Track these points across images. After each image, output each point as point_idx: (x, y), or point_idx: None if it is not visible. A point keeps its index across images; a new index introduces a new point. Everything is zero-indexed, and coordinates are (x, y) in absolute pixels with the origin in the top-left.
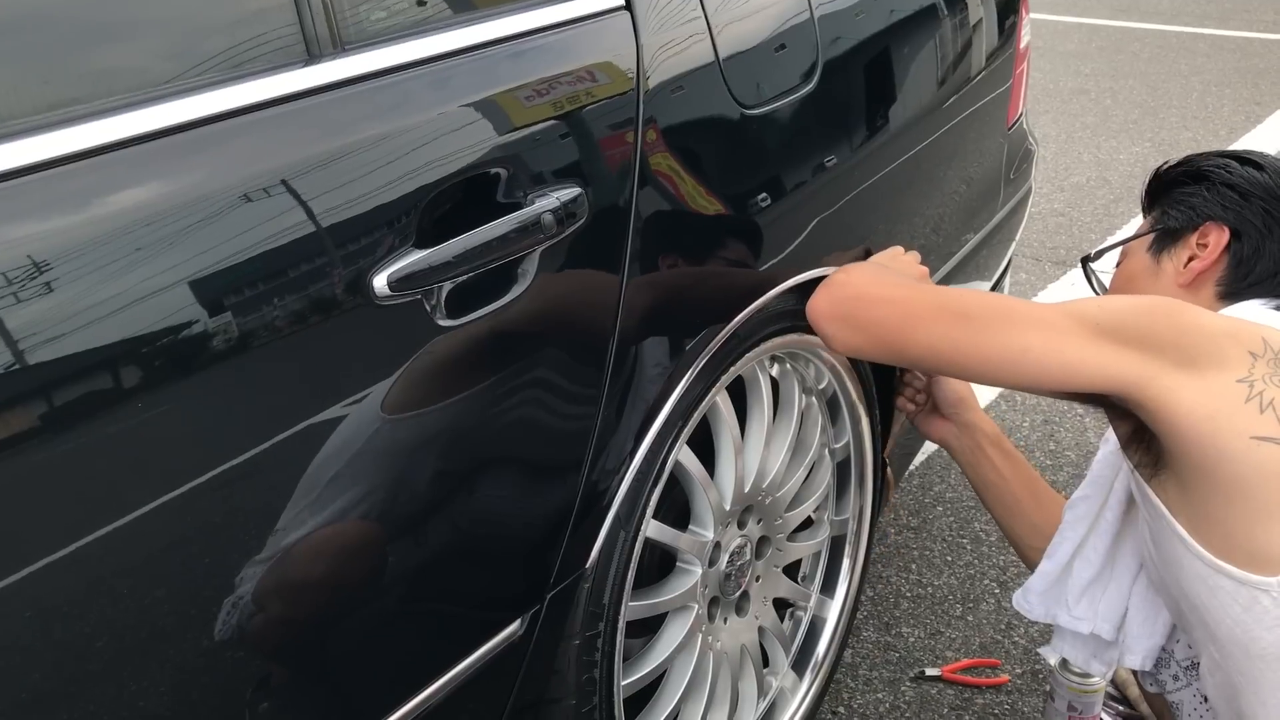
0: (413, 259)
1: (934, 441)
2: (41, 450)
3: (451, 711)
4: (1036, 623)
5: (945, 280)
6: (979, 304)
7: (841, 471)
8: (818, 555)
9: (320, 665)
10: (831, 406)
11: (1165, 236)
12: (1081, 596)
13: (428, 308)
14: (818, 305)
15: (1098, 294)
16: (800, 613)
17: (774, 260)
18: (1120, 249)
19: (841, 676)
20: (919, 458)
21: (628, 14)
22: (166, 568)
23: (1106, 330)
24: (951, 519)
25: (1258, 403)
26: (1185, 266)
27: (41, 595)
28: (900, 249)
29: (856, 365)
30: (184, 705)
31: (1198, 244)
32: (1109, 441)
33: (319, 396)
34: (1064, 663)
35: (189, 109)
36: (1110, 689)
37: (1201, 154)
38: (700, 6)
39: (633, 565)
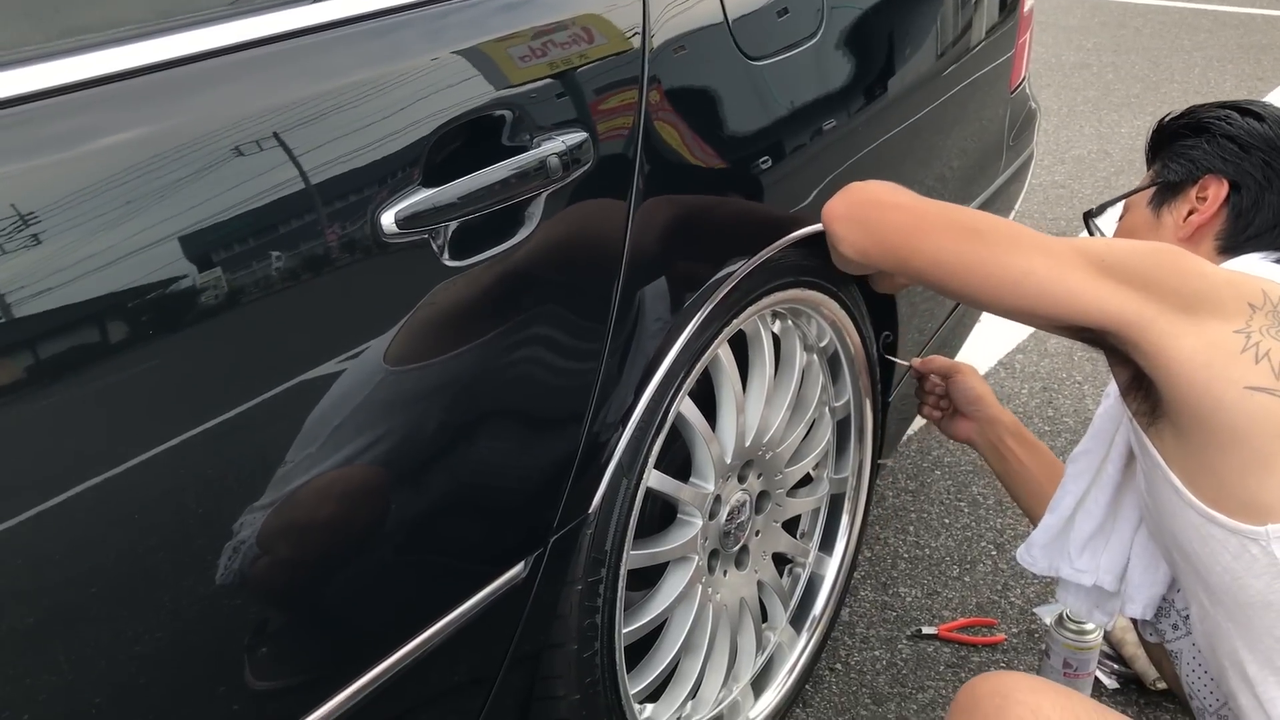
0: (420, 197)
1: (960, 441)
2: (51, 394)
3: (457, 650)
4: (1033, 583)
5: None
6: (989, 223)
7: (841, 429)
8: (817, 512)
9: (327, 605)
10: (832, 364)
11: (1165, 190)
12: (1084, 549)
13: (434, 248)
14: (833, 207)
15: None
16: (799, 569)
17: (778, 214)
18: (1122, 204)
19: (839, 634)
20: (917, 423)
21: None
22: (173, 511)
23: (1111, 267)
24: (949, 483)
25: (1254, 353)
26: (1185, 220)
27: (47, 539)
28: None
29: (858, 323)
30: (186, 647)
31: (1197, 197)
32: (1110, 395)
33: (328, 336)
34: (1059, 620)
35: (199, 41)
36: (1105, 646)
37: (1204, 105)
38: None
39: (634, 513)
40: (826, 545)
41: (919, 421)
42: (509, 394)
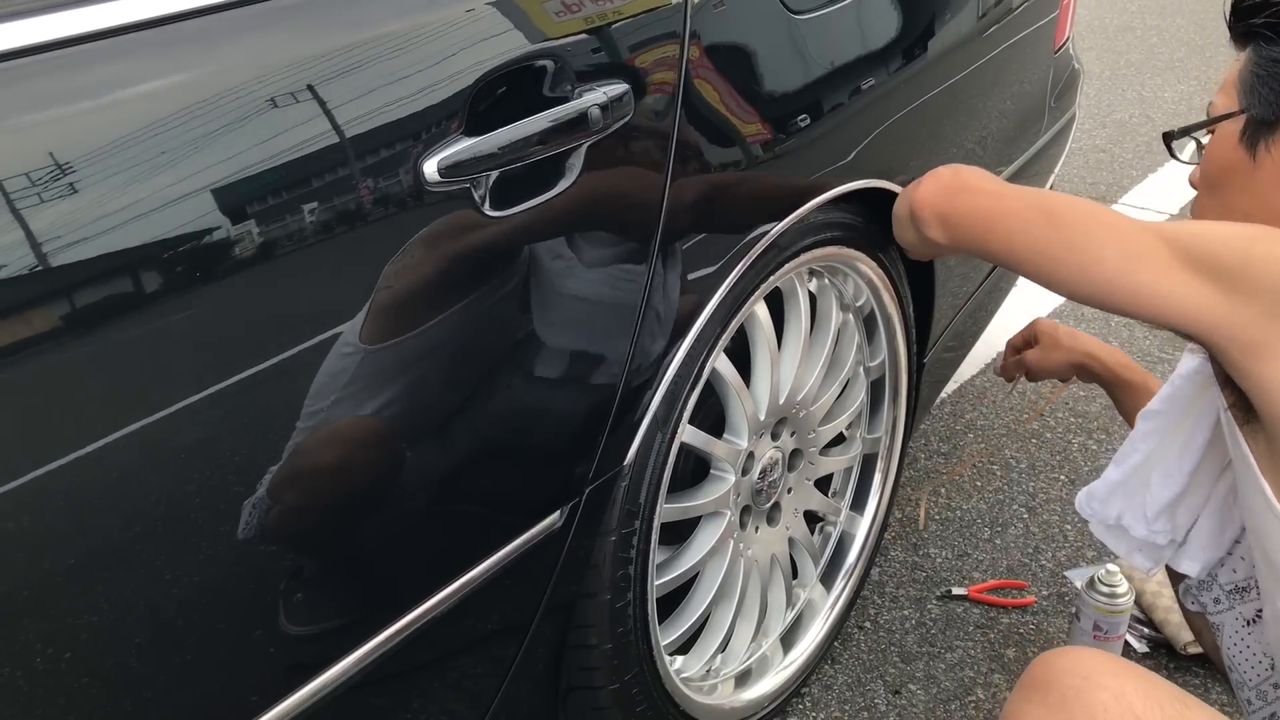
0: (462, 146)
1: (1064, 376)
2: (107, 336)
3: (494, 596)
4: (1064, 546)
5: None
6: (1066, 204)
7: (876, 389)
8: (849, 471)
9: (370, 548)
10: (868, 324)
11: (1261, 125)
12: (1160, 514)
13: (476, 197)
14: (924, 194)
15: (1186, 164)
16: (830, 528)
17: (816, 171)
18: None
19: (869, 593)
20: (951, 386)
21: None
22: (217, 456)
23: (1195, 259)
24: (982, 445)
25: None
26: None
27: (88, 483)
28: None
29: (895, 283)
30: (227, 591)
31: None
32: (1195, 354)
33: (368, 283)
34: (1090, 584)
35: None
36: (1135, 610)
37: None
38: None
39: (668, 467)
40: (858, 504)
41: (953, 384)
42: (545, 345)
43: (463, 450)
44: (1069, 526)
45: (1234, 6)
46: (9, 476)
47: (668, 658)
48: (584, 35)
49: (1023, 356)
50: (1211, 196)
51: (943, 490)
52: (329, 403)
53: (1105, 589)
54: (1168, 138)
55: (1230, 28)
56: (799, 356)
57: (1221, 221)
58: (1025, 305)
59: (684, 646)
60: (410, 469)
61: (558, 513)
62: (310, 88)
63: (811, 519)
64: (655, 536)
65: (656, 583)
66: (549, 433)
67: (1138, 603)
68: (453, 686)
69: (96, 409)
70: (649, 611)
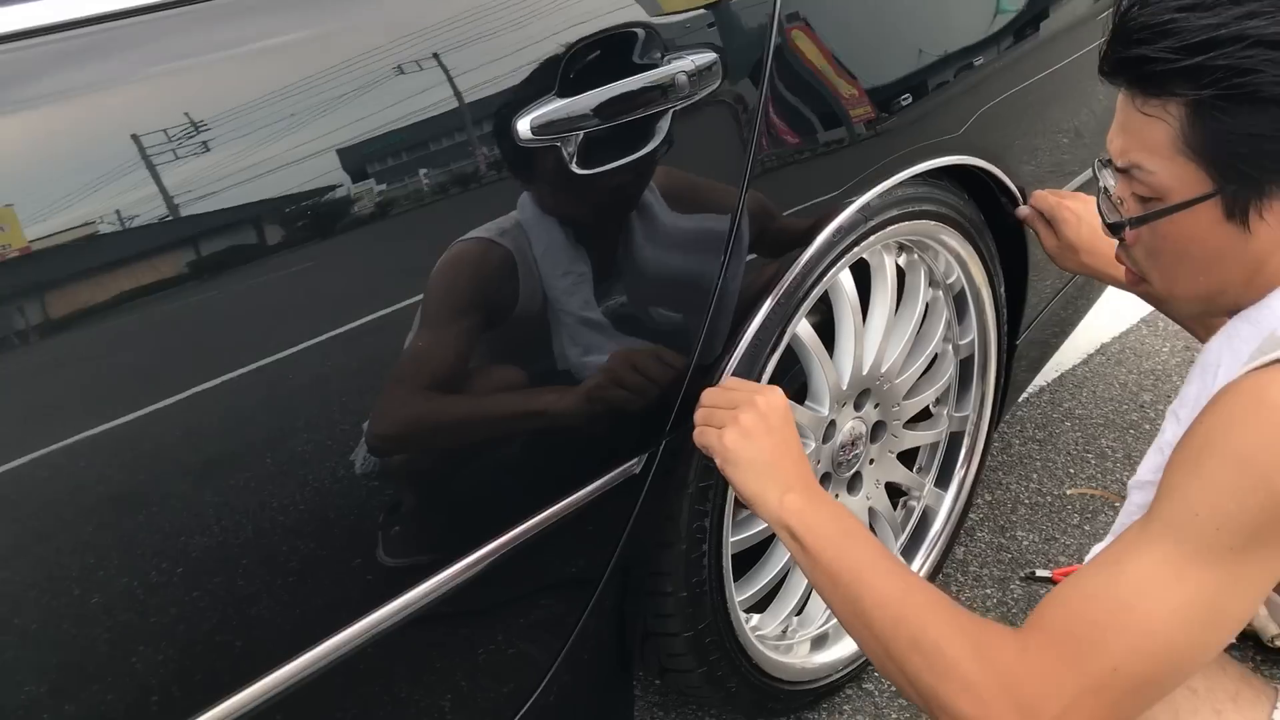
0: (553, 106)
1: (1089, 271)
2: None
3: (579, 526)
4: None
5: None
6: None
7: (964, 367)
8: (935, 448)
9: (471, 476)
10: (958, 302)
11: (1241, 198)
12: None
13: (565, 155)
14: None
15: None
16: (914, 502)
17: (907, 146)
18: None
19: (952, 571)
20: (1051, 374)
21: None
22: (326, 396)
23: (1239, 545)
24: (1079, 434)
25: None
26: None
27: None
28: None
29: (986, 262)
30: (326, 520)
31: None
32: (1177, 423)
33: (453, 237)
34: None
35: None
36: None
37: (1203, 21)
38: None
39: None
40: (943, 481)
41: (1054, 372)
42: (626, 299)
43: (551, 392)
44: None
45: (1148, 53)
46: (167, 397)
47: (743, 614)
48: (674, 4)
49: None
50: (1183, 266)
51: (1034, 475)
52: (442, 342)
53: None
54: (1116, 229)
55: (1144, 75)
56: (884, 329)
57: (1198, 487)
58: (1116, 304)
59: (762, 605)
60: (504, 408)
61: (637, 458)
62: (419, 52)
63: (895, 493)
64: (731, 494)
65: (733, 539)
66: (628, 384)
67: None
68: (536, 615)
69: (255, 335)
70: (724, 565)
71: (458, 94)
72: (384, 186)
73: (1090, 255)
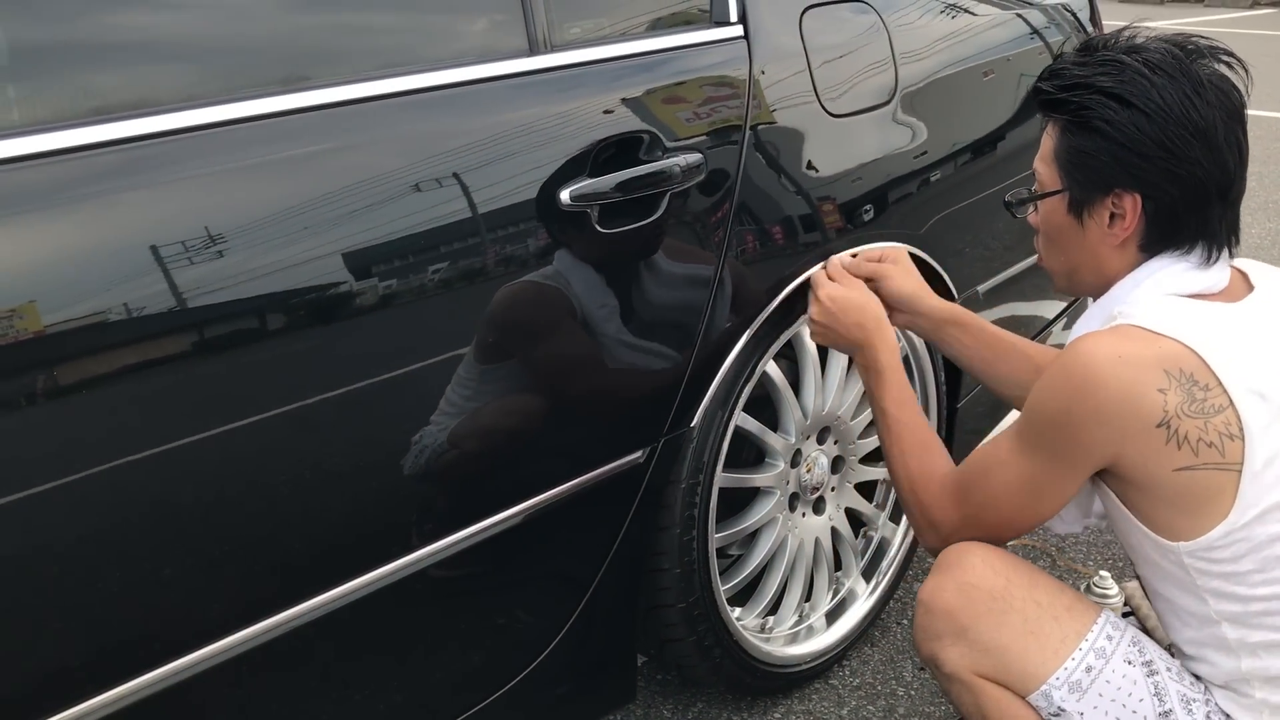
0: (586, 182)
1: (899, 327)
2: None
3: (592, 502)
4: (1087, 568)
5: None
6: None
7: None
8: (889, 484)
9: (493, 454)
10: (905, 365)
11: (1078, 201)
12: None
13: (593, 218)
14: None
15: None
16: (872, 532)
17: (840, 237)
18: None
19: (906, 597)
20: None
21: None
22: (399, 391)
23: (1041, 441)
24: None
25: (1175, 441)
26: (1110, 227)
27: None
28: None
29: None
30: (351, 491)
31: (1113, 204)
32: None
33: (515, 271)
34: (1086, 589)
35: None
36: (1125, 608)
37: (1078, 70)
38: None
39: (726, 438)
40: (896, 516)
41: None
42: (636, 323)
43: (571, 391)
44: (1109, 535)
45: (1041, 86)
46: (286, 405)
47: (728, 607)
48: (670, 120)
49: (881, 266)
50: (1052, 246)
51: None
52: (485, 346)
53: (1099, 591)
54: (1009, 205)
55: (1039, 103)
56: (839, 383)
57: (1033, 397)
58: None
59: (742, 600)
60: (548, 401)
61: (641, 451)
62: (508, 152)
63: (856, 522)
64: (715, 495)
65: (716, 535)
66: (637, 390)
67: (1128, 602)
68: (553, 576)
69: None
70: (709, 550)
71: (525, 172)
72: (475, 240)
73: (909, 315)
